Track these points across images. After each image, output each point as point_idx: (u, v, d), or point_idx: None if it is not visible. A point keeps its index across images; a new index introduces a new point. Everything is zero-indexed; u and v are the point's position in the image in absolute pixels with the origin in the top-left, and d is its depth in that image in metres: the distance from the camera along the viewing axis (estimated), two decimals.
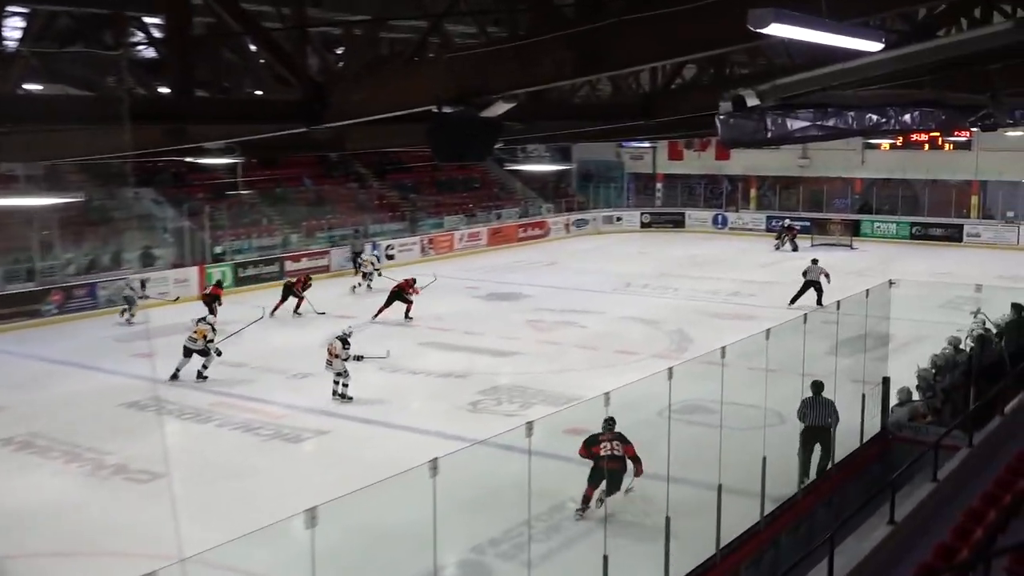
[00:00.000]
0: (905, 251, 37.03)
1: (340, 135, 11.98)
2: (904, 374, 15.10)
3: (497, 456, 10.55)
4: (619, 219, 44.98)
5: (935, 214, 40.46)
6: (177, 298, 25.54)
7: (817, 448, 13.01)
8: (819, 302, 23.98)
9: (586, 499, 12.02)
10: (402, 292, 23.96)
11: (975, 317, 15.90)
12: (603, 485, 11.62)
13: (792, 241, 37.35)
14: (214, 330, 18.94)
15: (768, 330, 11.74)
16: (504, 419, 15.65)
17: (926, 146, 40.82)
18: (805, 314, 12.54)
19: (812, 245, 38.44)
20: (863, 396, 14.09)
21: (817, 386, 13.01)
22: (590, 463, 11.82)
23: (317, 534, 6.56)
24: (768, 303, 25.90)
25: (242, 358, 20.03)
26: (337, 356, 17.05)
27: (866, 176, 42.98)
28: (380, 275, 27.92)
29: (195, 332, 18.70)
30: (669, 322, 23.36)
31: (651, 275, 31.13)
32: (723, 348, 10.86)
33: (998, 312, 16.39)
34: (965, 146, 40.00)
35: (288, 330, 23.06)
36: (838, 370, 13.70)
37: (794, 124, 8.72)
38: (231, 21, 7.40)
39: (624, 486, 11.94)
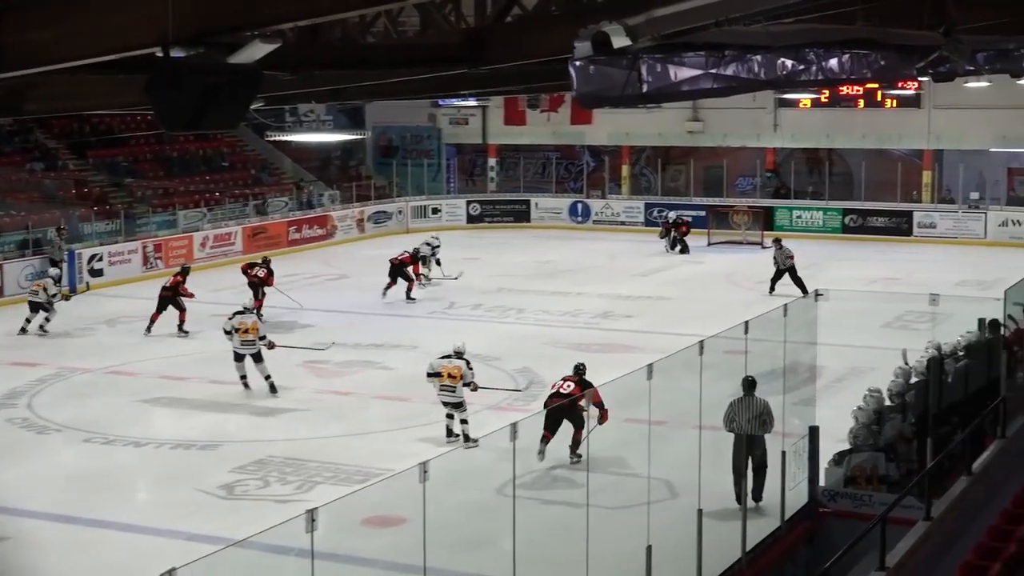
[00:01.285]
0: (836, 249, 38.54)
1: (15, 91, 11.63)
2: (839, 421, 15.68)
3: (266, 562, 10.41)
4: (436, 211, 45.24)
5: (875, 197, 42.26)
6: (88, 285, 29.07)
7: (752, 463, 14.61)
8: (803, 290, 27.84)
9: (544, 439, 15.90)
10: (404, 266, 29.86)
11: (928, 346, 16.66)
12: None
13: (681, 240, 38.36)
14: (260, 316, 21.86)
15: (651, 366, 12.00)
16: (274, 507, 15.47)
17: (861, 103, 42.64)
18: (701, 342, 12.87)
19: (709, 244, 39.60)
20: (783, 454, 14.57)
21: (749, 384, 14.62)
22: None
23: None
24: (651, 327, 26.50)
25: None
26: (461, 379, 17.95)
27: (781, 145, 44.55)
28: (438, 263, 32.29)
29: (246, 328, 20.87)
30: (511, 358, 23.59)
31: (483, 291, 31.39)
32: (588, 393, 11.05)
33: (962, 331, 17.23)
34: (913, 102, 41.98)
35: None
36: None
37: (679, 73, 8.96)
38: None
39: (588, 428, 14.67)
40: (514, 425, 10.34)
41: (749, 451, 14.71)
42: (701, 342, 12.95)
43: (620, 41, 8.04)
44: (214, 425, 19.64)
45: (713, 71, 9.29)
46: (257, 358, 21.03)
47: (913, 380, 15.95)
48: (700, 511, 12.73)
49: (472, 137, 48.50)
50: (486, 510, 14.54)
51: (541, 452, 15.77)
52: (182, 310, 26.31)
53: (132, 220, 35.84)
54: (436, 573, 10.39)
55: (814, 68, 10.87)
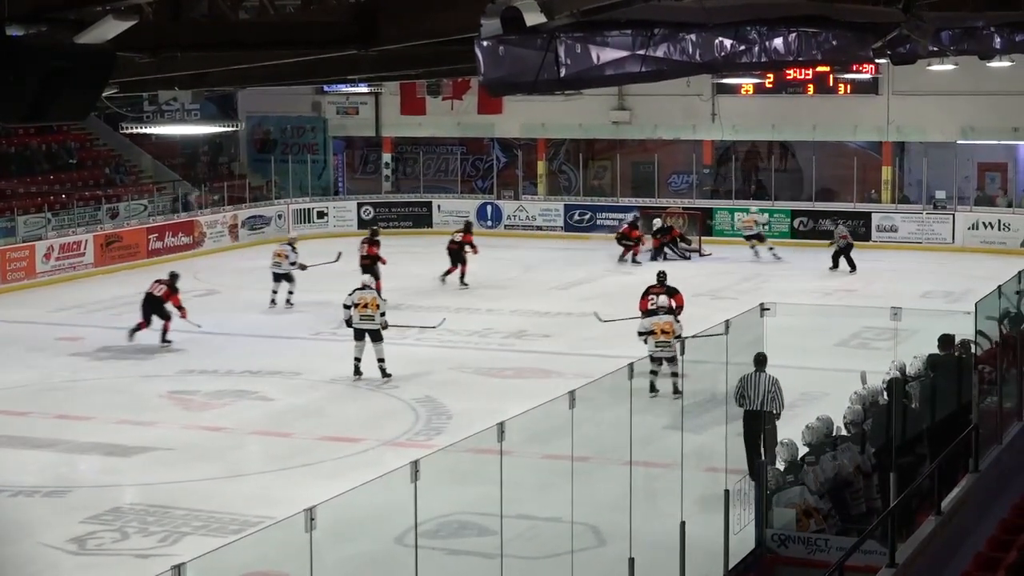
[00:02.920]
0: (784, 257, 38.85)
1: None
2: None
3: None
4: (322, 215, 45.09)
5: (828, 197, 42.79)
6: (339, 255, 33.27)
7: (762, 437, 16.62)
8: (851, 268, 35.68)
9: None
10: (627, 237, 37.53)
11: (891, 367, 16.89)
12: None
13: (674, 246, 38.97)
14: (380, 295, 24.63)
15: (572, 393, 12.03)
16: (135, 564, 15.37)
17: (810, 89, 43.04)
18: (631, 365, 12.92)
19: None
20: (726, 492, 14.64)
21: (760, 360, 17.25)
22: None
23: None
24: (573, 348, 26.57)
25: None
26: (674, 333, 21.58)
27: (719, 138, 44.86)
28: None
29: (365, 303, 23.84)
30: (411, 386, 23.55)
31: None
32: (501, 425, 11.05)
33: (929, 348, 17.47)
34: (869, 88, 42.47)
35: None
36: (686, 453, 14.18)
37: (602, 55, 9.01)
38: None
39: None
40: (415, 463, 10.32)
41: (759, 427, 16.91)
42: (631, 365, 12.99)
43: (534, 18, 8.07)
44: (61, 467, 19.42)
45: (641, 52, 9.36)
46: (376, 337, 23.79)
47: (871, 406, 16.11)
48: (631, 560, 12.77)
49: (363, 129, 48.35)
50: (383, 563, 14.53)
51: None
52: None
53: None
54: None
55: (756, 49, 10.98)
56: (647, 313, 23.24)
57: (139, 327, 26.84)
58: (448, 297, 32.61)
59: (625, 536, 13.02)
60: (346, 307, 24.16)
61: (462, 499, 14.92)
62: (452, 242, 34.48)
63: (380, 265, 32.07)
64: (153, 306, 26.99)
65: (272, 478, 18.65)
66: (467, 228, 35.38)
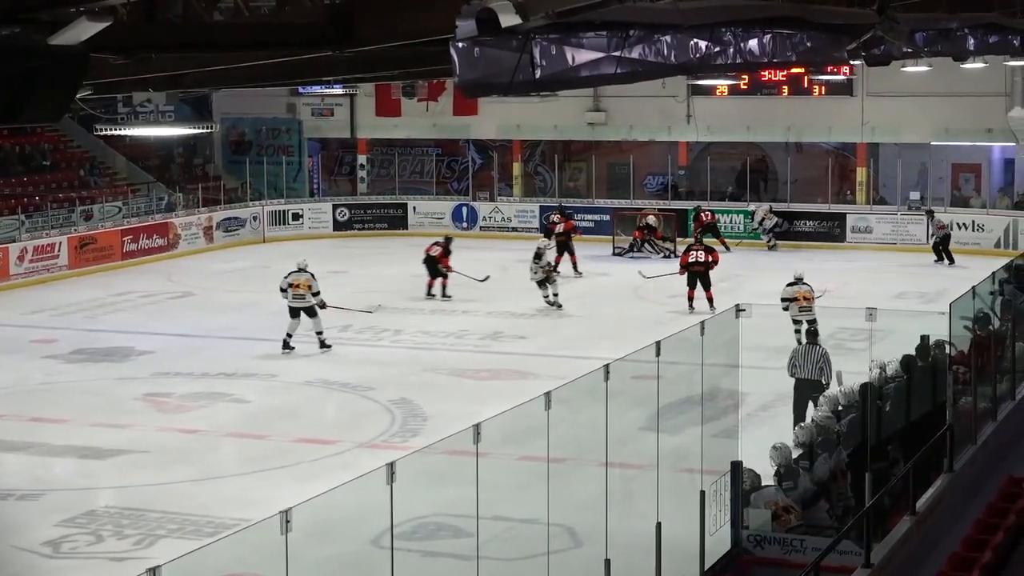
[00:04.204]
0: (759, 258, 38.92)
1: None
2: (765, 454, 15.82)
3: None
4: (297, 216, 45.02)
5: (803, 199, 42.84)
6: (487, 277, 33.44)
7: (811, 406, 17.71)
8: (949, 260, 37.15)
9: (690, 298, 29.35)
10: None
11: (872, 366, 16.93)
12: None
13: (651, 242, 38.95)
14: (314, 277, 26.14)
15: (548, 394, 12.04)
16: (110, 567, 15.37)
17: (785, 90, 43.14)
18: (606, 366, 12.93)
19: (613, 253, 39.77)
20: (702, 494, 14.66)
21: (812, 334, 20.22)
22: None
23: None
24: (548, 349, 26.57)
25: None
26: (814, 300, 24.87)
27: (695, 139, 44.88)
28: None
29: (298, 284, 25.80)
30: (386, 387, 23.52)
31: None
32: (477, 427, 11.05)
33: (901, 351, 17.52)
34: (844, 90, 42.58)
35: None
36: (662, 454, 14.20)
37: (578, 56, 9.02)
38: None
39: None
40: (391, 465, 10.31)
41: (809, 395, 18.37)
42: (606, 366, 12.99)
43: (509, 19, 8.07)
44: (35, 470, 19.36)
45: (616, 54, 9.37)
46: (311, 313, 25.85)
47: (842, 407, 16.15)
48: (607, 562, 12.78)
49: (338, 130, 48.28)
50: (359, 565, 14.50)
51: (691, 308, 28.75)
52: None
53: None
54: None
55: (731, 50, 11.00)
56: (686, 266, 29.42)
57: (430, 285, 32.21)
58: (421, 299, 32.52)
59: (601, 537, 13.03)
60: (282, 290, 26.11)
61: (438, 501, 14.91)
62: (556, 235, 36.06)
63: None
64: (431, 265, 32.11)
65: (248, 480, 18.63)
66: (563, 213, 37.94)
